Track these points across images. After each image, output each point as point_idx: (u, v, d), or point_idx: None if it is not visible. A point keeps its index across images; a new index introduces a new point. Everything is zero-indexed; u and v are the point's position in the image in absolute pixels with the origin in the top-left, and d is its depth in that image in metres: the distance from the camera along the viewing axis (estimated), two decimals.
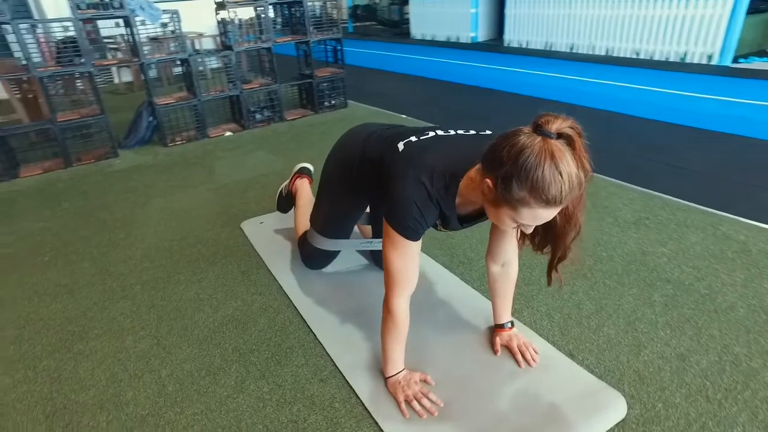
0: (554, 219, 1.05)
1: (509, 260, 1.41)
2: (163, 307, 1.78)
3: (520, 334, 1.48)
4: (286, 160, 3.21)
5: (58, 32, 3.29)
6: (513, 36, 7.67)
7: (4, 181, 3.10)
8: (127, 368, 1.50)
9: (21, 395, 1.42)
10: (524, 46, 7.53)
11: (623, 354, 1.44)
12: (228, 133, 3.84)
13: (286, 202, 2.19)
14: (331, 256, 1.88)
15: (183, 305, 1.79)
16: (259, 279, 1.92)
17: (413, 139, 1.26)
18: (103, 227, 2.43)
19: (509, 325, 1.49)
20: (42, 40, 3.24)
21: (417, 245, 1.22)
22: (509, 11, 7.60)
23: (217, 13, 3.75)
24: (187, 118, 3.73)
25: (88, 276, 2.01)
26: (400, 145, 1.25)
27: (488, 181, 0.99)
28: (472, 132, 1.29)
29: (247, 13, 3.98)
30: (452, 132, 1.28)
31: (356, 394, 1.35)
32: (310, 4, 3.92)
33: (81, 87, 3.56)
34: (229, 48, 3.67)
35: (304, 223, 1.93)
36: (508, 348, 1.46)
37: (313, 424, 1.27)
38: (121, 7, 3.12)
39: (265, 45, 3.82)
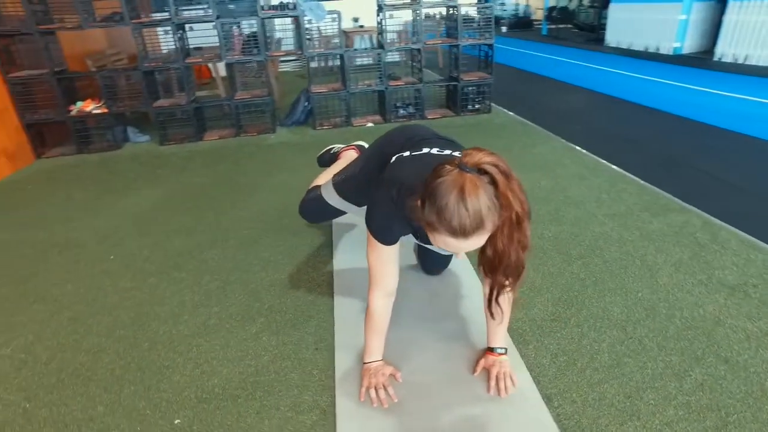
0: (486, 251, 1.06)
1: (501, 282, 1.40)
2: (240, 261, 2.19)
3: (507, 363, 1.46)
4: None
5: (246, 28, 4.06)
6: (727, 48, 6.50)
7: (192, 142, 3.99)
8: (193, 299, 1.93)
9: (144, 290, 1.96)
10: (740, 61, 6.34)
11: (608, 419, 1.31)
12: (369, 124, 4.22)
13: (328, 159, 2.30)
14: (328, 214, 1.92)
15: (254, 262, 2.16)
16: (320, 254, 2.20)
17: (406, 153, 1.35)
18: (236, 188, 3.00)
19: (500, 351, 1.47)
20: (236, 33, 4.02)
21: (391, 249, 1.32)
22: (729, 17, 6.45)
23: (378, 15, 4.12)
24: (336, 107, 4.22)
25: (205, 224, 2.55)
26: (393, 158, 1.36)
27: (417, 200, 1.06)
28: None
29: (407, 15, 4.27)
30: (447, 152, 1.33)
31: (334, 369, 1.52)
32: (464, 9, 4.02)
33: (257, 72, 4.30)
34: (381, 47, 4.01)
35: (324, 178, 1.99)
36: (487, 372, 1.46)
37: (289, 381, 1.49)
38: (294, 8, 3.70)
39: (415, 46, 4.07)
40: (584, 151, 3.36)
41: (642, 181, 2.81)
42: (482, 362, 1.48)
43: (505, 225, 1.03)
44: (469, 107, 4.40)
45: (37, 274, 2.18)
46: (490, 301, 1.16)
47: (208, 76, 6.43)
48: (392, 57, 7.53)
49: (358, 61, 5.48)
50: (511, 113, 4.46)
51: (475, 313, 1.73)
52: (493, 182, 0.97)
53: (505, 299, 1.40)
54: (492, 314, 1.17)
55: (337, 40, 4.08)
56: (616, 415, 1.32)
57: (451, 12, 4.09)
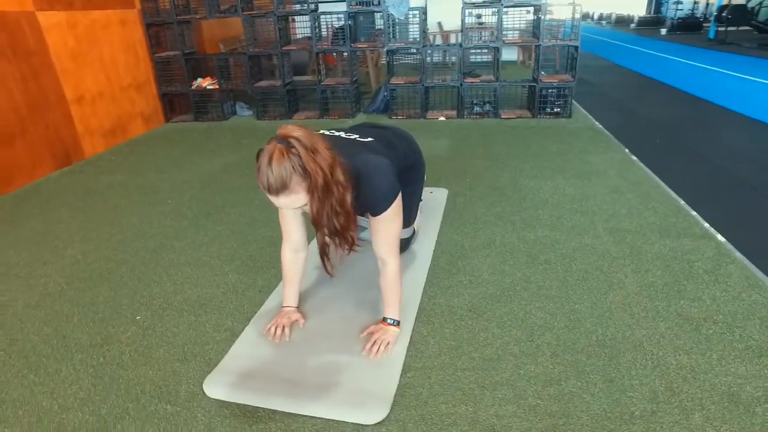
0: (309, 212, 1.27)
1: (383, 258, 1.55)
2: (255, 217, 2.60)
3: (392, 333, 1.60)
4: (456, 150, 3.55)
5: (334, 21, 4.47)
6: None
7: (283, 119, 4.58)
8: (203, 240, 2.39)
9: (176, 228, 2.51)
10: None
11: (446, 398, 1.40)
12: (441, 118, 4.36)
13: None
14: None
15: (266, 222, 2.56)
16: None
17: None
18: None
19: (390, 321, 1.62)
20: (332, 26, 4.47)
21: (286, 211, 1.56)
22: None
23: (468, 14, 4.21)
24: (413, 99, 4.44)
25: (251, 186, 3.03)
26: None
27: None
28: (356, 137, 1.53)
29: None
30: (353, 136, 1.55)
31: (259, 308, 1.84)
32: (548, 14, 3.90)
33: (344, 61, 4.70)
34: (459, 45, 4.11)
35: None
36: (370, 335, 1.62)
37: (224, 308, 1.85)
38: (379, 3, 4.00)
39: (493, 44, 4.08)
40: (642, 165, 3.11)
41: (682, 202, 2.56)
42: (372, 327, 1.65)
43: (315, 190, 1.22)
44: (548, 110, 4.26)
45: (118, 207, 2.86)
46: (321, 256, 1.35)
47: (333, 62, 7.09)
48: (509, 55, 7.44)
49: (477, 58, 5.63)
50: (592, 121, 4.20)
51: (404, 286, 1.88)
52: (297, 153, 1.18)
53: (390, 275, 1.56)
54: (324, 267, 1.35)
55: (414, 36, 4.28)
56: (457, 398, 1.40)
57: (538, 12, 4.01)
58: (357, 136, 1.54)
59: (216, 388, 1.46)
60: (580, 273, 1.97)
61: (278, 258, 1.77)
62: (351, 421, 1.34)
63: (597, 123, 4.11)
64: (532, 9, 4.08)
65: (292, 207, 1.26)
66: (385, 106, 4.55)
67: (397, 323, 1.63)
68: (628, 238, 2.21)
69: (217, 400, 1.43)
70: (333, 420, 1.34)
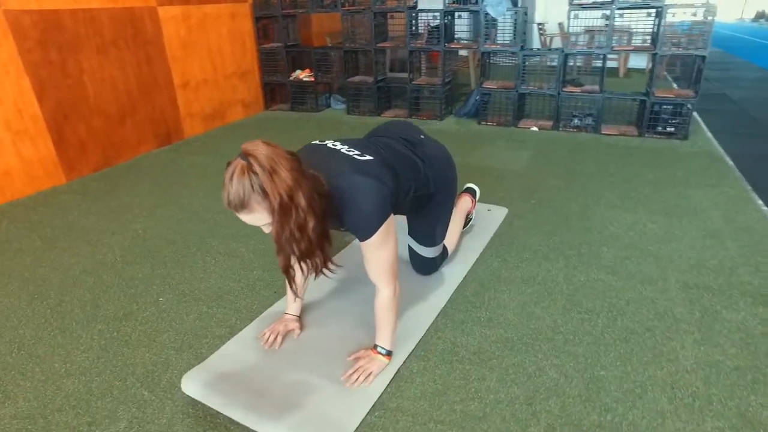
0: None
1: (375, 284, 1.45)
2: None
3: (377, 363, 1.50)
4: (535, 165, 3.25)
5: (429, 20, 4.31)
6: None
7: (372, 115, 4.58)
8: (245, 233, 2.47)
9: (227, 216, 2.64)
10: None
11: None
12: (533, 129, 4.03)
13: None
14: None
15: None
16: None
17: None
18: None
19: (381, 350, 1.52)
20: (428, 24, 4.32)
21: None
22: None
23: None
24: (505, 105, 4.15)
25: None
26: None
27: None
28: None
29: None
30: (342, 149, 1.45)
31: (267, 309, 1.84)
32: (673, 15, 3.36)
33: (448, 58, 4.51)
34: (560, 50, 3.73)
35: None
36: (356, 361, 1.53)
37: (236, 303, 1.89)
38: (476, 2, 3.78)
39: (599, 51, 3.64)
40: (764, 207, 2.55)
41: None
42: (361, 353, 1.55)
43: (275, 212, 1.15)
44: (659, 129, 3.70)
45: (190, 187, 3.08)
46: (286, 276, 1.28)
47: (436, 61, 6.94)
48: (638, 62, 6.65)
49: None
50: (713, 145, 3.55)
51: (413, 313, 1.76)
52: (256, 172, 1.12)
53: (382, 303, 1.45)
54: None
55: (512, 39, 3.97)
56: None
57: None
58: (357, 152, 1.44)
59: (192, 384, 1.48)
60: (624, 332, 1.66)
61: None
62: None
63: (719, 148, 3.48)
64: (654, 12, 3.55)
65: (256, 224, 1.21)
66: (476, 111, 4.33)
67: (388, 353, 1.52)
68: (705, 299, 1.82)
69: (189, 396, 1.46)
70: None
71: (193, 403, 1.44)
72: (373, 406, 1.39)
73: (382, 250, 1.38)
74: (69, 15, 3.12)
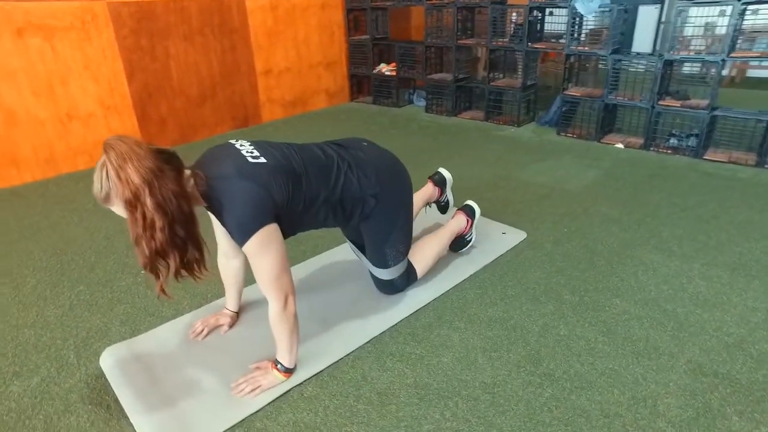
0: None
1: (264, 295, 1.36)
2: None
3: (271, 377, 1.43)
4: (594, 188, 2.81)
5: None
6: None
7: (448, 115, 4.36)
8: None
9: None
10: None
11: None
12: (619, 145, 3.46)
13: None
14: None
15: None
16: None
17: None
18: (414, 159, 3.29)
19: (280, 366, 1.43)
20: (514, 21, 3.93)
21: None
22: None
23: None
24: (589, 116, 3.63)
25: None
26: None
27: None
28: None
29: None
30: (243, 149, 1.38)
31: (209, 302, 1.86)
32: None
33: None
34: (658, 54, 3.12)
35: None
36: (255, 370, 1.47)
37: (203, 290, 1.94)
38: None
39: (712, 58, 2.95)
40: None
41: None
42: (261, 363, 1.49)
43: (124, 209, 1.13)
44: None
45: None
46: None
47: (553, 57, 6.35)
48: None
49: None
50: None
51: (344, 333, 1.64)
52: (107, 168, 1.10)
53: (271, 316, 1.37)
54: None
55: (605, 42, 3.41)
56: None
57: None
58: (255, 154, 1.35)
59: (108, 358, 1.57)
60: (573, 413, 1.34)
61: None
62: None
63: None
64: None
65: (121, 216, 1.21)
66: (558, 119, 3.87)
67: (287, 371, 1.44)
68: (716, 395, 1.39)
69: (100, 369, 1.54)
70: None
71: (101, 376, 1.51)
72: (240, 421, 1.33)
73: (262, 258, 1.29)
74: (162, 6, 3.48)
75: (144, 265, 1.20)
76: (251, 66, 4.14)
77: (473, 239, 2.13)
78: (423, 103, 4.75)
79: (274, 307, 1.36)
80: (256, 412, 1.36)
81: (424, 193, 2.17)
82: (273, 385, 1.43)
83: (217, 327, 1.69)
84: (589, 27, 3.70)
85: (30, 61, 2.99)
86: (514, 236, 2.27)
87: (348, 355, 1.56)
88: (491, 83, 4.05)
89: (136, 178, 1.11)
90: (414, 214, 2.02)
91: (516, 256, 2.13)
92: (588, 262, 2.06)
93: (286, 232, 1.44)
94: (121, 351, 1.60)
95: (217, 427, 1.31)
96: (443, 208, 2.28)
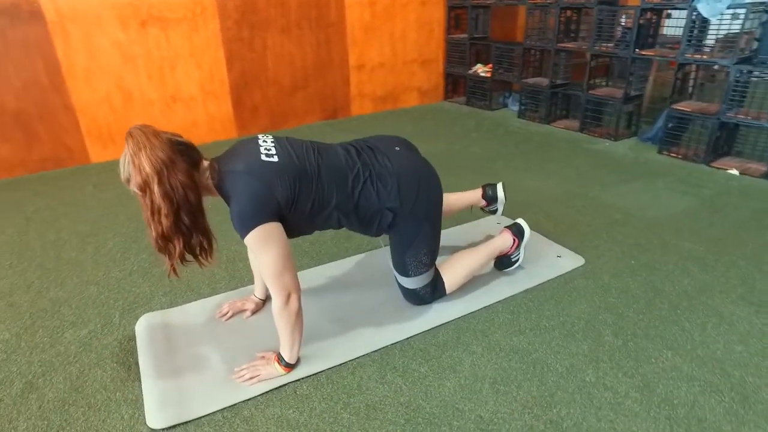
0: None
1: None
2: None
3: (270, 371, 1.47)
4: (685, 219, 2.46)
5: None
6: None
7: (541, 123, 4.10)
8: None
9: None
10: None
11: None
12: (734, 171, 2.98)
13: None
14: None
15: None
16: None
17: None
18: (469, 168, 3.16)
19: (283, 362, 1.47)
20: (623, 24, 3.51)
21: None
22: None
23: None
24: (700, 136, 3.16)
25: None
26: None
27: None
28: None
29: None
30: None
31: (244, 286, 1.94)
32: None
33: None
34: None
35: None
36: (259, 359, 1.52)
37: (218, 276, 2.05)
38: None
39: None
40: None
41: None
42: (266, 354, 1.53)
43: (138, 192, 1.21)
44: None
45: None
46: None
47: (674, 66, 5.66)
48: None
49: None
50: None
51: (354, 337, 1.63)
52: (126, 154, 1.19)
53: (275, 311, 1.40)
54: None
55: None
56: None
57: None
58: (271, 152, 1.38)
59: (142, 324, 1.72)
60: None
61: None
62: (147, 414, 1.36)
63: None
64: None
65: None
66: (661, 137, 3.43)
67: (288, 365, 1.48)
68: None
69: (134, 334, 1.69)
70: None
71: (132, 338, 1.67)
72: (231, 406, 1.38)
73: (262, 254, 1.33)
74: (264, 0, 3.70)
75: (153, 245, 1.29)
76: (344, 60, 4.24)
77: (520, 260, 1.98)
78: (515, 107, 4.51)
79: (276, 303, 1.39)
80: (248, 399, 1.40)
81: (469, 197, 2.09)
82: (271, 376, 1.47)
83: (242, 311, 1.77)
84: (723, 31, 3.21)
85: (148, 49, 3.37)
86: (570, 261, 2.07)
87: (351, 360, 1.55)
88: (589, 91, 3.71)
89: (147, 167, 1.19)
90: (450, 212, 2.06)
91: (565, 283, 1.94)
92: (647, 303, 1.81)
93: (297, 230, 1.47)
94: (155, 319, 1.75)
95: (208, 407, 1.37)
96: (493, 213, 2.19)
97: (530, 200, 2.68)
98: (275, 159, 1.37)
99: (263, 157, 1.36)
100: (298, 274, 1.43)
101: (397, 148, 1.61)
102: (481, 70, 4.58)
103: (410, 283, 1.70)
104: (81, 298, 1.91)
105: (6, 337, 1.70)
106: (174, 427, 1.32)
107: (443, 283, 1.77)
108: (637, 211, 2.54)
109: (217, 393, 1.42)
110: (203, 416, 1.35)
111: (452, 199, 2.07)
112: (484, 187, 2.12)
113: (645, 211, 2.54)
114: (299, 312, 1.43)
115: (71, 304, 1.87)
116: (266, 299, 1.83)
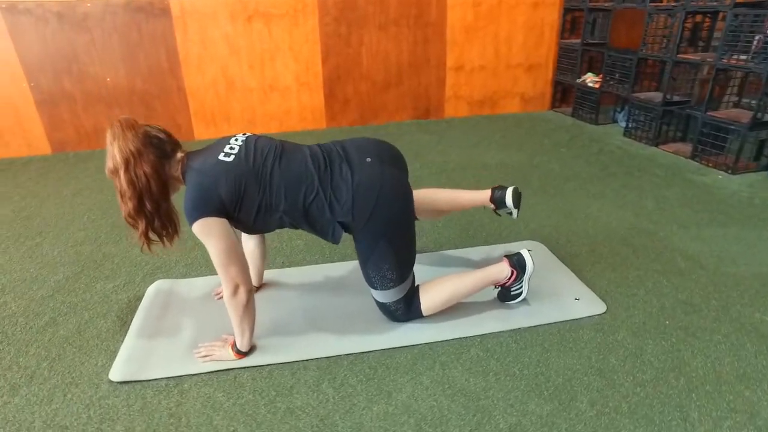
0: None
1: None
2: None
3: (224, 354, 1.57)
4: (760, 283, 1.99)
5: None
6: None
7: (647, 143, 3.57)
8: None
9: None
10: None
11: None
12: None
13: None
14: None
15: None
16: None
17: None
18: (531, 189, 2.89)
19: (237, 347, 1.57)
20: (766, 33, 2.82)
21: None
22: None
23: None
24: None
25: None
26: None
27: None
28: None
29: None
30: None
31: None
32: None
33: None
34: None
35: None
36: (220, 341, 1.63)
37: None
38: None
39: None
40: None
41: None
42: (230, 338, 1.63)
43: (109, 176, 1.38)
44: None
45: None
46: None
47: None
48: None
49: None
50: None
51: (299, 340, 1.68)
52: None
53: (225, 299, 1.50)
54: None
55: None
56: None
57: None
58: (233, 151, 1.47)
59: (151, 290, 1.97)
60: None
61: None
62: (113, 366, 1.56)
63: None
64: None
65: None
66: None
67: (239, 352, 1.57)
68: None
69: (143, 295, 1.93)
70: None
71: (140, 299, 1.91)
72: (178, 376, 1.51)
73: (206, 246, 1.44)
74: None
75: (125, 221, 1.46)
76: (441, 60, 4.17)
77: (523, 294, 1.80)
78: (623, 123, 4.00)
79: (225, 293, 1.49)
80: (193, 375, 1.52)
81: (477, 197, 1.99)
82: (222, 359, 1.57)
83: None
84: None
85: (251, 41, 3.71)
86: (587, 307, 1.82)
87: (300, 361, 1.58)
88: (707, 112, 3.13)
89: (117, 156, 1.36)
90: (454, 209, 2.09)
91: (568, 331, 1.71)
92: (656, 375, 1.51)
93: (255, 228, 1.54)
94: (164, 285, 1.98)
95: (159, 372, 1.52)
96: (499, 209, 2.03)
97: (580, 230, 2.39)
98: (230, 159, 1.44)
99: (220, 156, 1.45)
100: (300, 269, 1.50)
101: (369, 159, 1.57)
102: (590, 80, 4.13)
103: (378, 296, 1.66)
104: (124, 257, 2.23)
105: (59, 278, 2.08)
106: (127, 382, 1.50)
107: (419, 303, 1.69)
108: (711, 262, 2.11)
109: (173, 362, 1.57)
110: (152, 380, 1.51)
111: (463, 197, 2.02)
112: (493, 189, 1.98)
113: (722, 264, 2.09)
114: (248, 304, 1.50)
115: (114, 260, 2.20)
116: (260, 287, 1.94)
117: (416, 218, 1.78)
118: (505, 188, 1.96)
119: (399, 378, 1.52)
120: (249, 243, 1.84)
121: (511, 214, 2.01)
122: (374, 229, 1.53)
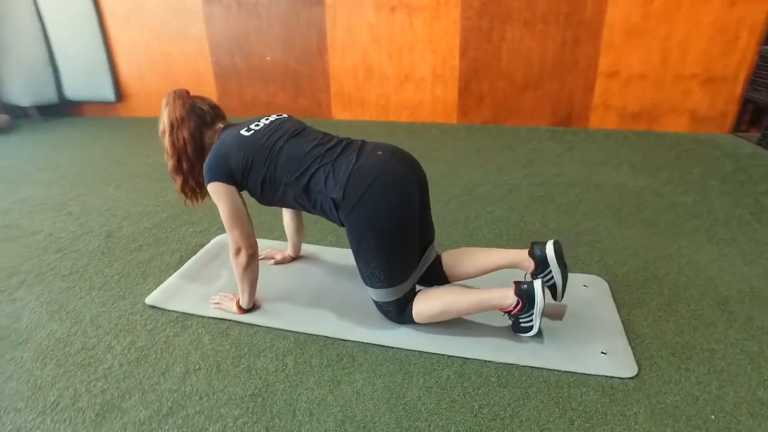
0: None
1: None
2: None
3: (231, 306, 1.77)
4: None
5: None
6: None
7: None
8: None
9: None
10: None
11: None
12: None
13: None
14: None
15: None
16: None
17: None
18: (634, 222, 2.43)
19: (241, 304, 1.76)
20: None
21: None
22: None
23: None
24: None
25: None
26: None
27: None
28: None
29: None
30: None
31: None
32: None
33: None
34: None
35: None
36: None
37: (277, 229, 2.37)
38: None
39: None
40: None
41: None
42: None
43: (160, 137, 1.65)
44: None
45: (512, 162, 3.25)
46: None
47: None
48: None
49: None
50: None
51: (313, 311, 1.79)
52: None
53: (230, 257, 1.68)
54: None
55: None
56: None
57: None
58: (255, 128, 1.62)
59: (213, 242, 2.28)
60: None
61: None
62: (153, 293, 1.89)
63: None
64: None
65: None
66: None
67: (240, 307, 1.76)
68: None
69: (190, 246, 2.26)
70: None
71: (203, 246, 2.24)
72: (189, 314, 1.77)
73: (218, 206, 1.62)
74: None
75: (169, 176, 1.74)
76: (592, 63, 3.72)
77: (534, 330, 1.60)
78: None
79: (230, 253, 1.67)
80: (201, 316, 1.76)
81: (510, 256, 1.73)
82: (226, 310, 1.77)
83: (271, 258, 2.10)
84: None
85: (392, 32, 3.86)
86: (611, 365, 1.51)
87: (283, 330, 1.69)
88: None
89: (165, 120, 1.62)
90: (482, 271, 1.76)
91: (568, 384, 1.47)
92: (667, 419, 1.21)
93: (266, 200, 1.67)
94: (223, 240, 2.28)
95: (179, 306, 1.80)
96: (551, 289, 1.70)
97: (669, 277, 1.96)
98: (248, 134, 1.60)
99: (242, 131, 1.61)
100: (336, 250, 1.72)
101: (380, 153, 1.56)
102: None
103: (371, 292, 1.66)
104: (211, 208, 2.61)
105: (163, 216, 2.56)
106: (154, 307, 1.81)
107: (411, 310, 1.63)
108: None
109: (192, 302, 1.83)
110: (171, 310, 1.79)
111: (491, 256, 1.76)
112: (532, 245, 1.70)
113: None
114: (249, 266, 1.66)
115: (207, 211, 2.59)
116: (296, 257, 2.10)
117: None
118: (543, 243, 1.68)
119: (356, 373, 1.51)
120: (286, 215, 2.00)
121: (551, 279, 1.66)
122: (363, 216, 1.51)
